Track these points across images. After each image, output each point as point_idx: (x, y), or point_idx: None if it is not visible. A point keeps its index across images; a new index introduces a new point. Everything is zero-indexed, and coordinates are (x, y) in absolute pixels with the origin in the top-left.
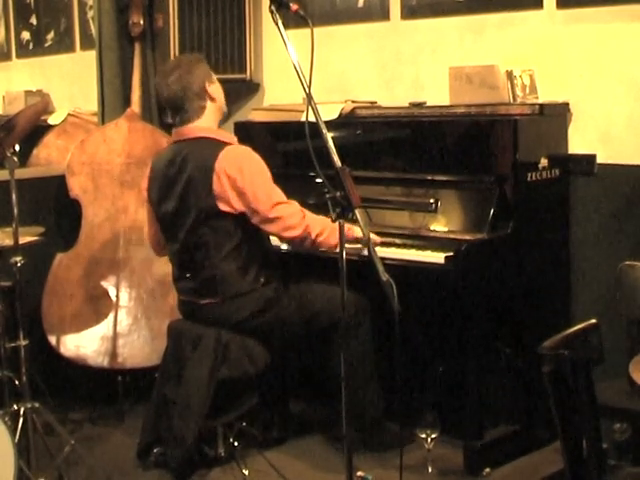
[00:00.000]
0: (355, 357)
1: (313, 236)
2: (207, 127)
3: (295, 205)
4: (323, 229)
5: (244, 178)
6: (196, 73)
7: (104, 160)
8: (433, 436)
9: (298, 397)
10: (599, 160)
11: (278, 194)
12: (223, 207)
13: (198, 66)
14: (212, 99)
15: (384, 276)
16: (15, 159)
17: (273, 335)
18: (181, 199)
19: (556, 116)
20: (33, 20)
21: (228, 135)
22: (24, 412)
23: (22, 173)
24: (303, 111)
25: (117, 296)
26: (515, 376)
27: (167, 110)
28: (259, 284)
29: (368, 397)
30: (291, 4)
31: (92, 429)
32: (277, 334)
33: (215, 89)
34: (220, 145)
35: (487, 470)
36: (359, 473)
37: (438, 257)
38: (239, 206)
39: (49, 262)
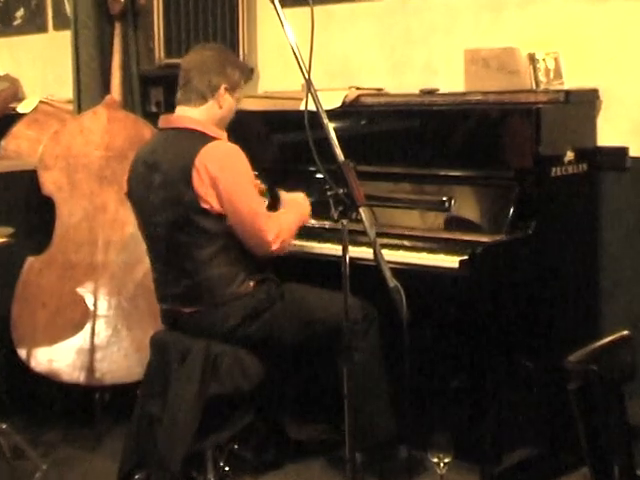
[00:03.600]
0: (361, 370)
1: (288, 243)
2: (197, 119)
3: (274, 219)
4: (293, 228)
5: (225, 179)
6: (228, 71)
7: (81, 153)
8: (446, 460)
9: (296, 415)
10: (631, 153)
11: (258, 203)
12: (203, 204)
13: (235, 70)
14: (220, 104)
15: (392, 282)
16: None
17: (268, 345)
18: (159, 194)
19: (583, 104)
20: None
21: (218, 131)
22: None
23: None
24: (302, 99)
25: (95, 304)
26: (537, 393)
27: (179, 78)
28: (249, 289)
29: (376, 416)
30: None
31: (66, 452)
32: (272, 344)
33: (229, 101)
34: (206, 139)
35: None
36: None
37: (452, 261)
38: (218, 206)
39: (19, 266)
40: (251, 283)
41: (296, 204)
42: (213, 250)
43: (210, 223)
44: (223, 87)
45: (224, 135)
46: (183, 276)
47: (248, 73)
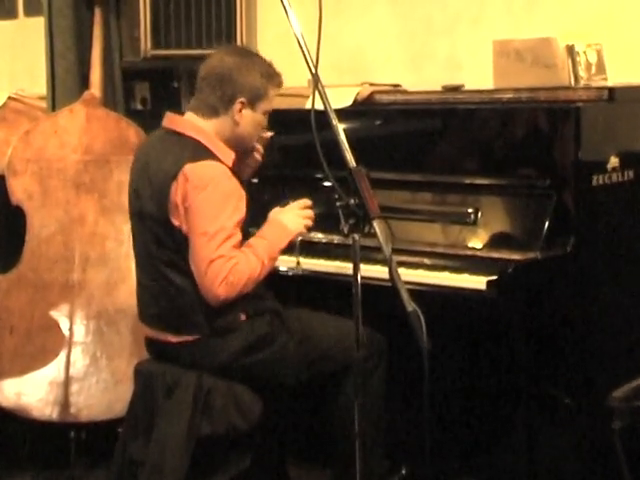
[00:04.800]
0: (365, 409)
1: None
2: (204, 130)
3: (239, 261)
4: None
5: (193, 199)
6: (247, 81)
7: (55, 157)
8: None
9: (298, 458)
10: None
11: (218, 238)
12: (174, 220)
13: (257, 79)
14: (236, 120)
15: (410, 306)
16: None
17: (268, 380)
18: (144, 198)
19: (630, 103)
20: None
21: (225, 149)
22: None
23: None
24: (308, 96)
25: (70, 329)
26: (576, 432)
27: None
28: (238, 322)
29: (375, 455)
30: None
31: None
32: (273, 379)
33: (249, 117)
34: (202, 154)
35: None
36: None
37: (478, 282)
38: (186, 228)
39: None
40: (242, 316)
41: (275, 225)
42: (191, 275)
43: (182, 244)
44: (239, 101)
45: (231, 155)
46: (161, 296)
47: (277, 81)
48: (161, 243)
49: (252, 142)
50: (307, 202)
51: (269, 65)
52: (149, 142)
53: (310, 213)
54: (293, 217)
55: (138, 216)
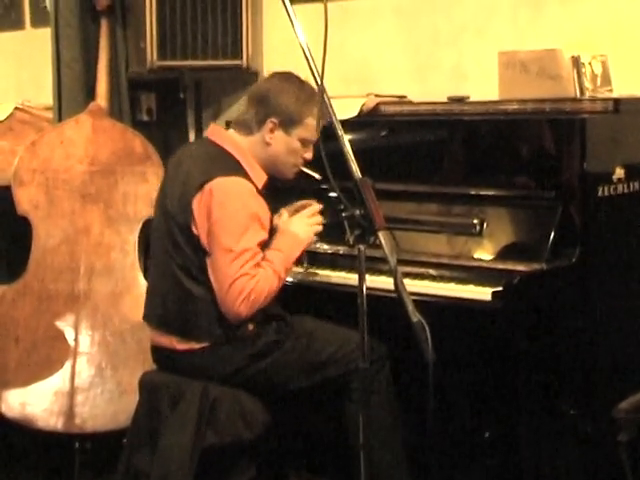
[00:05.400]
0: (374, 417)
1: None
2: (240, 146)
3: (259, 279)
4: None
5: (217, 217)
6: (283, 102)
7: (61, 167)
8: None
9: (305, 470)
10: None
11: (247, 257)
12: (194, 230)
13: (293, 103)
14: (267, 140)
15: (415, 316)
16: None
17: (272, 387)
18: (169, 201)
19: (635, 114)
20: None
21: (258, 169)
22: None
23: None
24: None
25: (76, 340)
26: (582, 445)
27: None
28: (247, 332)
29: (388, 469)
30: None
31: None
32: (277, 386)
33: (282, 140)
34: (233, 169)
35: None
36: None
37: (484, 293)
38: (205, 241)
39: None
40: (250, 326)
41: (289, 237)
42: (202, 283)
43: (198, 252)
44: (271, 121)
45: (263, 177)
46: (170, 298)
47: (314, 110)
48: (178, 246)
49: (286, 169)
50: (315, 208)
51: (311, 94)
52: (190, 146)
53: (319, 219)
54: (303, 226)
55: (162, 213)
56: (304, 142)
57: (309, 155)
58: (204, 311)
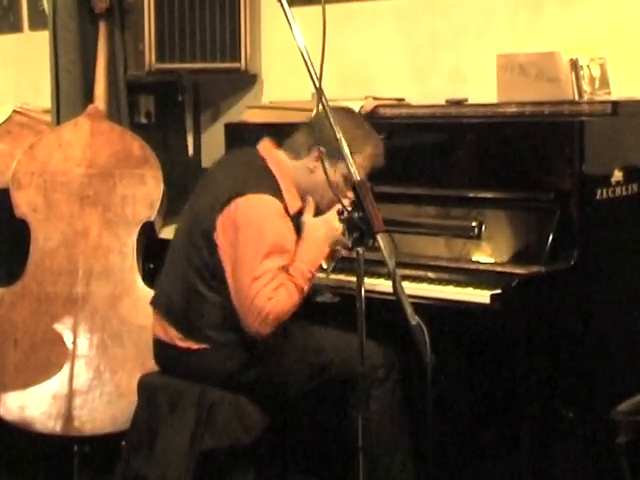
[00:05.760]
0: (377, 422)
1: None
2: (284, 167)
3: (280, 299)
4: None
5: (245, 234)
6: (332, 134)
7: (59, 170)
8: None
9: (303, 474)
10: None
11: (269, 279)
12: (216, 238)
13: (344, 137)
14: (311, 168)
15: (414, 319)
16: None
17: (271, 393)
18: (202, 200)
19: (633, 116)
20: None
21: (294, 194)
22: None
23: None
24: (312, 110)
25: (74, 342)
26: (580, 447)
27: None
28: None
29: (394, 474)
30: None
31: None
32: (276, 392)
33: (323, 171)
34: (270, 188)
35: None
36: None
37: (482, 295)
38: (225, 253)
39: None
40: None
41: (311, 242)
42: (212, 288)
43: (214, 259)
44: (318, 148)
45: (297, 204)
46: (178, 292)
47: (365, 150)
48: (197, 247)
49: (323, 201)
50: (336, 208)
51: (366, 133)
52: (237, 152)
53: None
54: (329, 231)
55: (190, 209)
56: (347, 179)
57: (350, 195)
58: (208, 314)
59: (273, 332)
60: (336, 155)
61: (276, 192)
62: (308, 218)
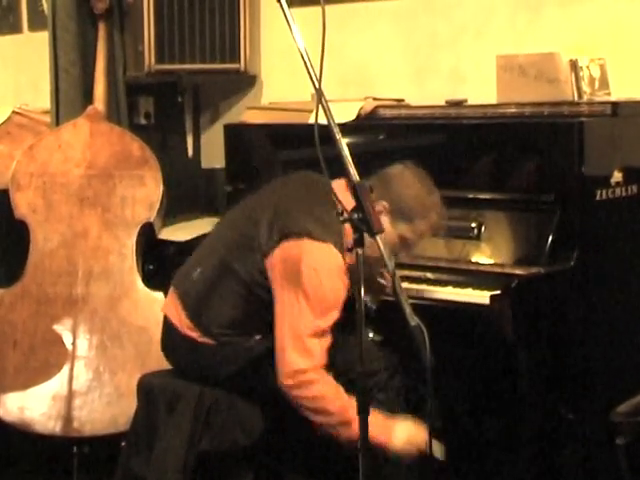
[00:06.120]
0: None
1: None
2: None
3: (325, 393)
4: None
5: (302, 284)
6: (401, 194)
7: (58, 171)
8: None
9: (304, 476)
10: None
11: (318, 334)
12: (267, 263)
13: (410, 201)
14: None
15: (413, 320)
16: None
17: (272, 396)
18: (260, 213)
19: (633, 117)
20: None
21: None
22: None
23: None
24: (311, 111)
25: (73, 343)
26: (580, 448)
27: None
28: (251, 342)
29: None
30: None
31: None
32: (277, 394)
33: (387, 230)
34: (333, 237)
35: None
36: None
37: (482, 296)
38: (274, 287)
39: None
40: (257, 337)
41: (386, 427)
42: (234, 292)
43: (254, 276)
44: (382, 204)
45: (338, 256)
46: (202, 282)
47: (428, 218)
48: (241, 250)
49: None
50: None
51: (435, 201)
52: (314, 177)
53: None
54: (407, 439)
55: (247, 209)
56: (403, 241)
57: (405, 252)
58: (221, 313)
59: (294, 394)
60: (398, 215)
61: (337, 239)
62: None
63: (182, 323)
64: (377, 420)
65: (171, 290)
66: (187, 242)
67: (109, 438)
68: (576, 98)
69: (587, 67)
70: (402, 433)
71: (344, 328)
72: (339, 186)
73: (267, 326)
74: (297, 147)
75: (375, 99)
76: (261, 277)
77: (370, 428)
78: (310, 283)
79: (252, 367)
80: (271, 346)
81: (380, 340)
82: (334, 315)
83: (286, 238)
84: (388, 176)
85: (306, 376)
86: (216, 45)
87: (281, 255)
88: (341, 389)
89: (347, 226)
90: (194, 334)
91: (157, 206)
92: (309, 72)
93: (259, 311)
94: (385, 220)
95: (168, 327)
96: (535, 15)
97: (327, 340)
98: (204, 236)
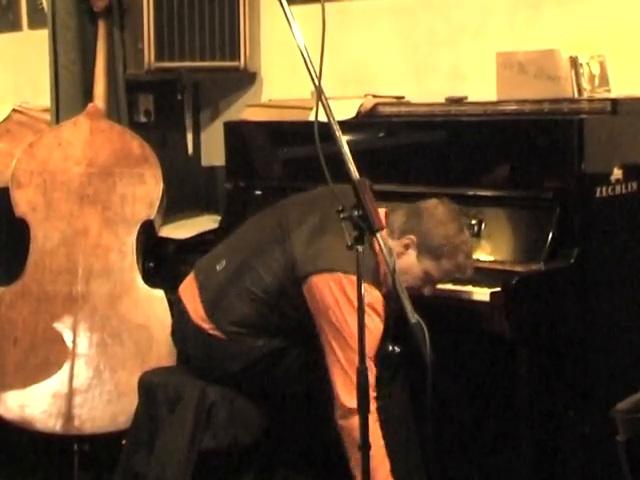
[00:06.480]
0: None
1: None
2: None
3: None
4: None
5: (336, 311)
6: (432, 231)
7: (59, 169)
8: None
9: (306, 474)
10: None
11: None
12: (304, 288)
13: (441, 239)
14: (399, 251)
15: (413, 317)
16: None
17: (274, 393)
18: (296, 229)
19: (633, 114)
20: None
21: (377, 275)
22: None
23: None
24: (311, 108)
25: (74, 341)
26: (580, 445)
27: None
28: (257, 343)
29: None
30: None
31: None
32: (280, 392)
33: (411, 261)
34: (374, 277)
35: None
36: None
37: (482, 293)
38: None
39: None
40: (260, 342)
41: None
42: (253, 292)
43: (285, 289)
44: (410, 237)
45: (375, 292)
46: (225, 279)
47: (456, 260)
48: (266, 260)
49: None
50: None
51: (463, 241)
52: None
53: None
54: None
55: (276, 216)
56: (428, 277)
57: (427, 291)
58: (236, 310)
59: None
60: (425, 251)
61: (375, 277)
62: None
63: (196, 312)
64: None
65: (192, 276)
66: (187, 240)
67: (109, 436)
68: (576, 95)
69: (587, 64)
70: None
71: None
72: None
73: (277, 329)
74: (297, 145)
75: (375, 96)
76: (288, 288)
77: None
78: (352, 320)
79: (258, 366)
80: (278, 348)
81: (400, 351)
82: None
83: (334, 271)
84: (421, 210)
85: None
86: (216, 43)
87: (321, 285)
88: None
89: (380, 256)
90: (206, 325)
91: (157, 204)
92: (309, 70)
93: (272, 315)
94: (412, 254)
95: (180, 313)
96: (535, 12)
97: (373, 372)
98: (204, 234)
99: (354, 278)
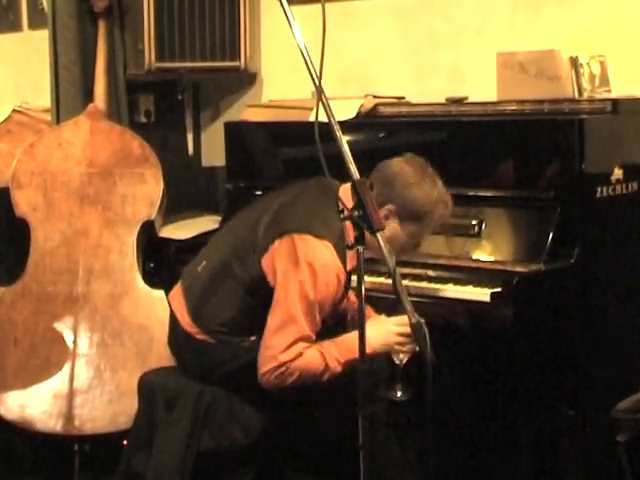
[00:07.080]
0: (383, 424)
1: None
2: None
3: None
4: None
5: (294, 276)
6: (408, 195)
7: (59, 169)
8: None
9: (305, 475)
10: None
11: (298, 338)
12: (264, 264)
13: (418, 199)
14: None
15: (414, 318)
16: None
17: (270, 393)
18: (266, 214)
19: (633, 114)
20: None
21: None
22: None
23: None
24: (312, 109)
25: (74, 342)
26: (581, 445)
27: None
28: (248, 342)
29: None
30: None
31: None
32: (275, 391)
33: (394, 230)
34: (333, 239)
35: None
36: None
37: (482, 294)
38: (273, 281)
39: None
40: (252, 338)
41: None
42: (235, 291)
43: (254, 277)
44: (388, 207)
45: (353, 261)
46: (200, 281)
47: (439, 214)
48: (240, 257)
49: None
50: (404, 321)
51: (439, 194)
52: (321, 181)
53: (405, 335)
54: (381, 332)
55: (252, 211)
56: (414, 239)
57: (416, 249)
58: (221, 312)
59: (276, 385)
60: (407, 217)
61: (340, 246)
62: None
63: (184, 319)
64: (348, 342)
65: (179, 282)
66: (188, 240)
67: (110, 436)
68: (576, 95)
69: (587, 64)
70: (375, 340)
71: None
72: (345, 189)
73: (263, 327)
74: (297, 145)
75: (375, 97)
76: (259, 277)
77: (347, 354)
78: (303, 285)
79: (251, 367)
80: None
81: (407, 399)
82: (325, 309)
83: (287, 233)
84: (390, 177)
85: (287, 379)
86: (216, 43)
87: (279, 249)
88: (312, 353)
89: (349, 226)
90: (193, 330)
91: (157, 204)
92: (309, 70)
93: (257, 312)
94: (394, 223)
95: (172, 320)
96: (535, 12)
97: (311, 340)
98: (205, 234)
99: (308, 237)
